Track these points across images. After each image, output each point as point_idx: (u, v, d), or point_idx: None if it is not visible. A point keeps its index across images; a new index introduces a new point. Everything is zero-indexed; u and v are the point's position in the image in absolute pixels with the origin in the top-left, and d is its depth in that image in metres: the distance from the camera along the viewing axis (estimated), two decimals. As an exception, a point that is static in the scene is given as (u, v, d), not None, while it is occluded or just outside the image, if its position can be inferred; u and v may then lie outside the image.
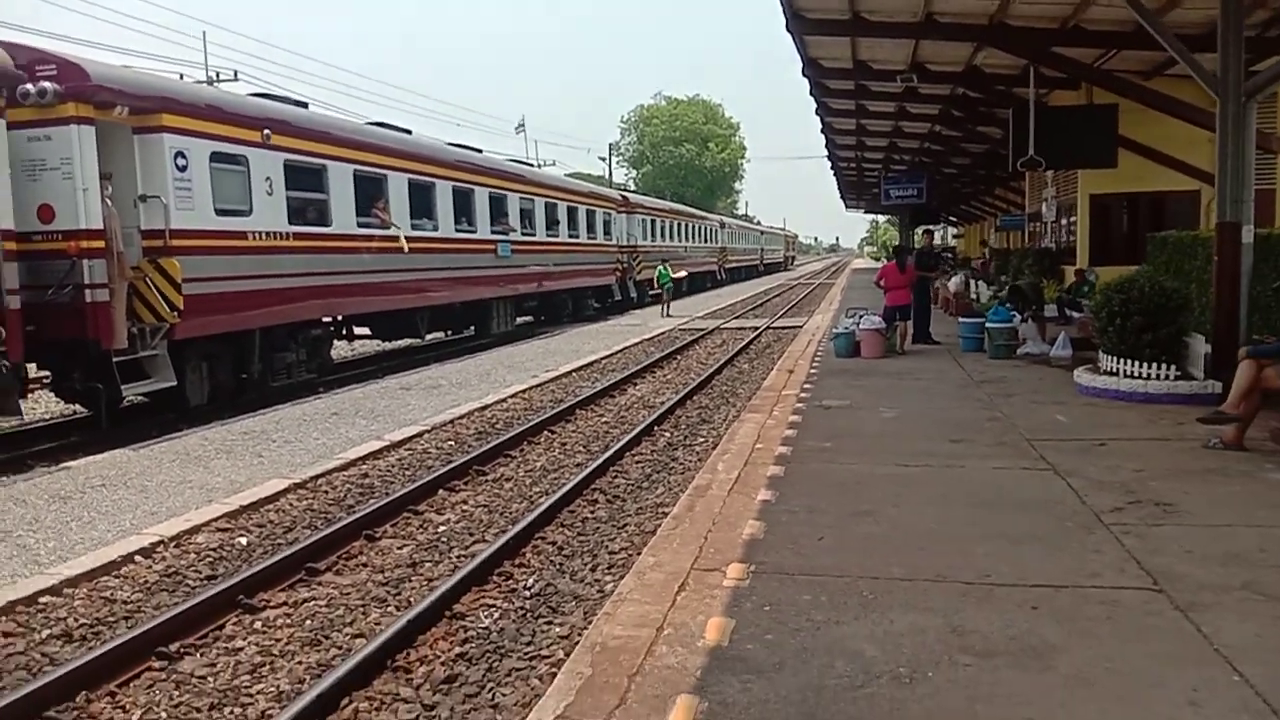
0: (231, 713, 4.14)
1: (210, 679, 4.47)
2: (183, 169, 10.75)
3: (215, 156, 11.41)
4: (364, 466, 8.60)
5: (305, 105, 14.32)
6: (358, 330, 16.69)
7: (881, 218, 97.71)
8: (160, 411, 11.61)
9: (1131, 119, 14.92)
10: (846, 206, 60.50)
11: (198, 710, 4.16)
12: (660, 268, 28.64)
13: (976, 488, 6.31)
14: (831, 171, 38.82)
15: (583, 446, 9.66)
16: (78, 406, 11.99)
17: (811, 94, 19.11)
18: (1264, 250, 9.84)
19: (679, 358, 17.23)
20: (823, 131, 25.62)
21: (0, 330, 8.59)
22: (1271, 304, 9.93)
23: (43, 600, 5.29)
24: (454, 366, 15.74)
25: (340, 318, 15.13)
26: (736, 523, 5.64)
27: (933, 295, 17.50)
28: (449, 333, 20.30)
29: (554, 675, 4.05)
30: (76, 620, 5.12)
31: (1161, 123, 13.85)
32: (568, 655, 4.28)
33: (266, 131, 12.22)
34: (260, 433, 9.88)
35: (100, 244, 9.74)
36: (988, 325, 13.57)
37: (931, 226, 29.18)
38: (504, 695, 4.26)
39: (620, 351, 17.85)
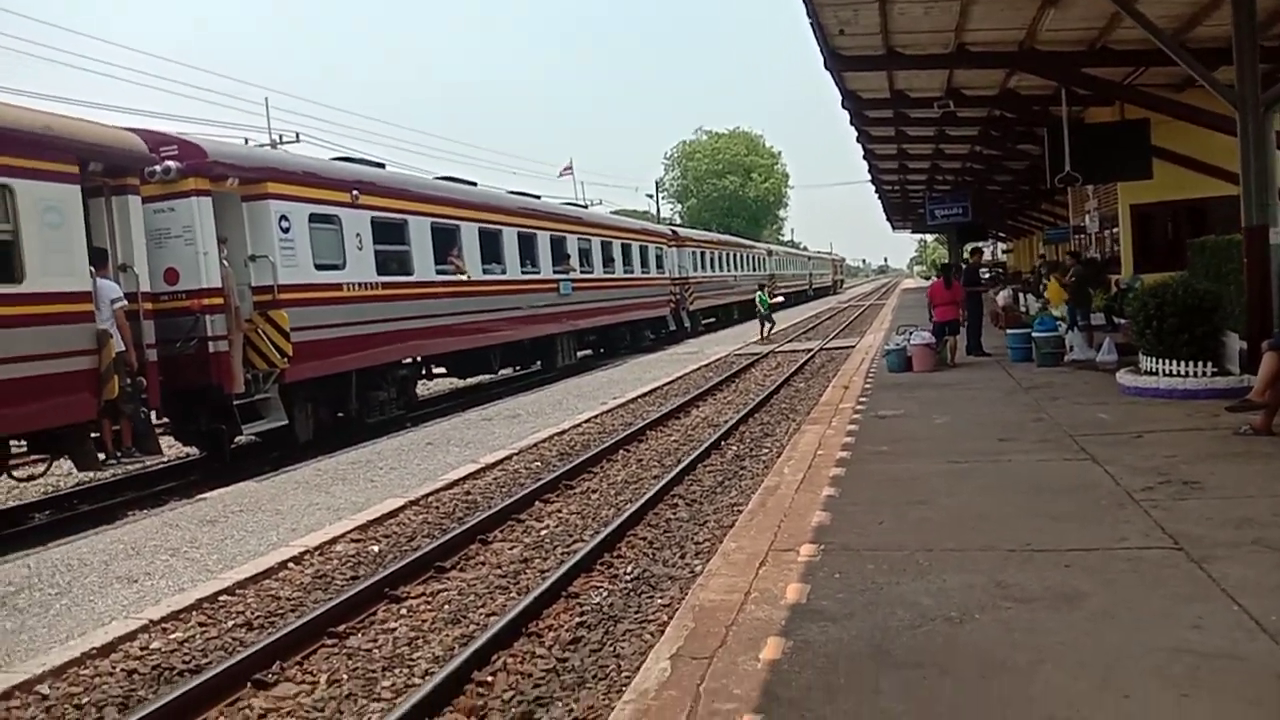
0: (400, 672, 5.06)
1: (375, 651, 5.40)
2: (286, 230, 11.96)
3: (313, 218, 12.60)
4: (466, 485, 9.57)
5: (382, 165, 15.54)
6: (436, 369, 17.76)
7: (930, 236, 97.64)
8: (268, 451, 12.72)
9: (1168, 130, 15.38)
10: (893, 227, 60.76)
11: (372, 672, 5.09)
12: (759, 294, 29.68)
13: (1021, 478, 7.02)
14: (876, 194, 39.43)
15: (657, 462, 10.52)
16: (193, 450, 13.19)
17: (852, 123, 19.90)
18: (1291, 251, 10.40)
19: (737, 381, 18.02)
20: (865, 157, 26.30)
21: (142, 380, 9.73)
22: (1303, 300, 10.47)
23: (221, 599, 6.29)
24: (527, 398, 16.75)
25: (420, 358, 16.19)
26: (805, 514, 6.43)
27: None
28: (517, 368, 21.38)
29: (663, 632, 4.89)
30: (253, 613, 6.10)
31: (1198, 132, 14.24)
32: (671, 618, 5.12)
33: (355, 192, 13.43)
34: (366, 462, 10.92)
35: (220, 300, 10.93)
36: (1034, 335, 14.17)
37: (980, 243, 29.61)
38: (623, 648, 5.14)
39: (680, 378, 18.69)
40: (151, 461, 11.48)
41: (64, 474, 12.44)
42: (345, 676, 5.04)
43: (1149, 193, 17.72)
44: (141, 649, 5.49)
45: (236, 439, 12.35)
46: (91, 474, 11.39)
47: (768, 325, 28.85)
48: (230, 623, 5.94)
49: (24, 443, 9.83)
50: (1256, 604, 4.27)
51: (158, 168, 10.46)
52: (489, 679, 4.84)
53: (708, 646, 4.30)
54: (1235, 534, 5.30)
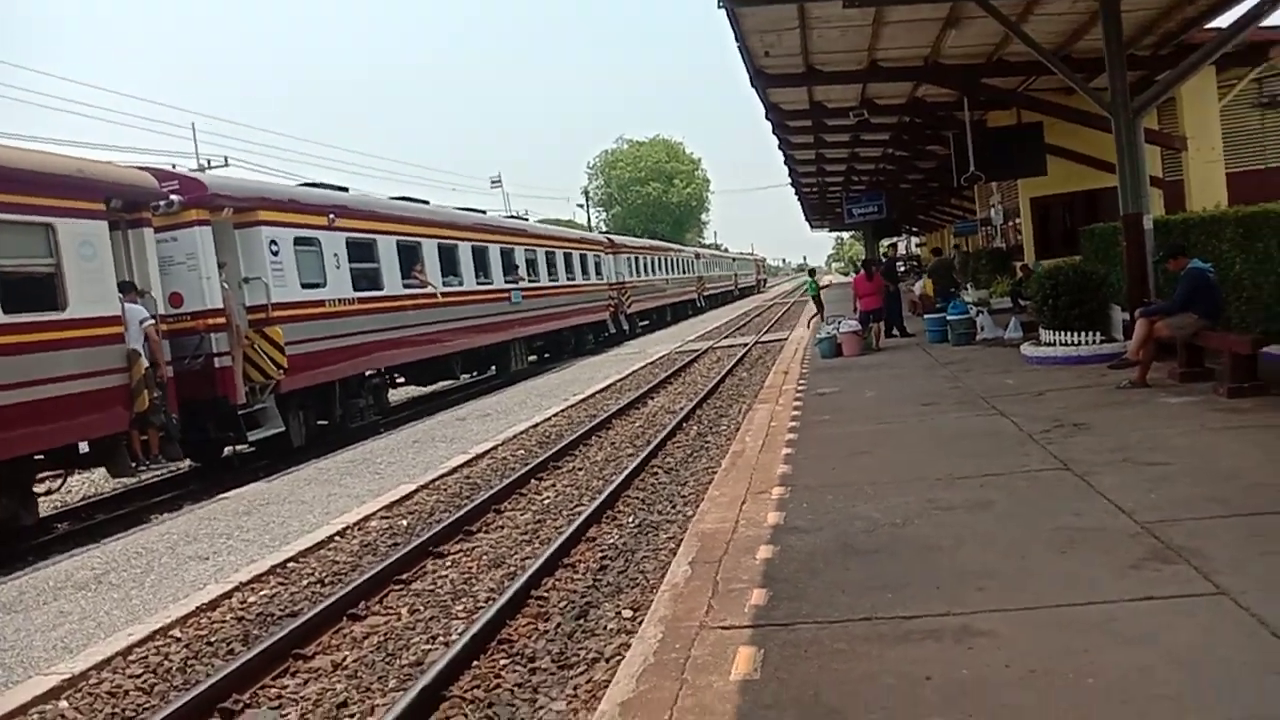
0: (466, 601, 6.28)
1: (438, 589, 6.61)
2: (276, 253, 12.98)
3: (298, 241, 13.64)
4: (465, 471, 10.75)
5: (345, 189, 16.54)
6: (399, 379, 18.75)
7: (846, 234, 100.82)
8: (257, 460, 13.64)
9: (1061, 129, 17.19)
10: (812, 227, 62.97)
11: (443, 602, 6.30)
12: (809, 280, 31.53)
13: (942, 430, 8.54)
14: (795, 195, 41.35)
15: (629, 443, 11.82)
16: (185, 462, 14.02)
17: (774, 133, 21.55)
18: (1162, 234, 12.19)
19: (684, 374, 19.41)
20: (785, 162, 28.04)
21: (161, 394, 10.69)
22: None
23: (289, 565, 7.41)
24: (491, 400, 17.91)
25: (385, 368, 17.16)
26: (770, 467, 7.82)
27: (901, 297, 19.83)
28: (474, 374, 22.48)
29: (674, 555, 6.21)
30: (320, 574, 7.24)
31: (1086, 130, 16.06)
32: (678, 546, 6.44)
33: (331, 216, 14.48)
34: (363, 460, 12.00)
35: (222, 320, 11.91)
36: (948, 318, 15.89)
37: (895, 239, 31.64)
38: (645, 567, 6.47)
39: (630, 375, 20.00)
40: (175, 467, 12.32)
41: (65, 491, 13.20)
42: (422, 608, 6.25)
43: (1046, 186, 19.65)
44: (241, 603, 6.61)
45: (229, 449, 13.28)
46: (120, 482, 12.28)
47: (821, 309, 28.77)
48: (305, 581, 7.08)
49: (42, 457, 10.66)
50: (1121, 498, 5.76)
51: (162, 202, 11.40)
52: (545, 595, 6.11)
53: (715, 555, 5.64)
54: (1110, 456, 6.84)
